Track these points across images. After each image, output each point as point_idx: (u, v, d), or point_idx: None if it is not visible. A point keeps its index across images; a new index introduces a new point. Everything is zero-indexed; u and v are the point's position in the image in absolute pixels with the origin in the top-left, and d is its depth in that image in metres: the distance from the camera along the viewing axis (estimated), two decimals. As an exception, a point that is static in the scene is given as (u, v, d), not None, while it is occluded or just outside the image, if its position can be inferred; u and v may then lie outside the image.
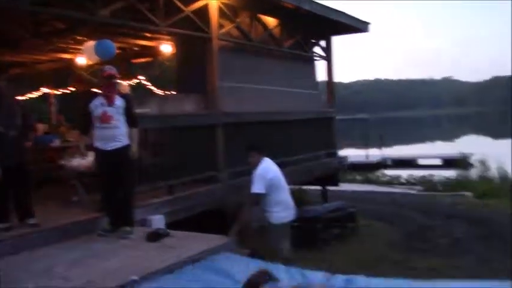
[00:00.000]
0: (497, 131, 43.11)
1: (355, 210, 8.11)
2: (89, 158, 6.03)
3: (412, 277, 5.53)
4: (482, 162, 16.45)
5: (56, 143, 7.89)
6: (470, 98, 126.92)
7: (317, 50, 10.86)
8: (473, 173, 15.71)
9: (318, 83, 11.29)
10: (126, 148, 5.10)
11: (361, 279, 3.80)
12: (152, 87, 11.82)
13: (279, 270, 4.10)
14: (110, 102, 5.06)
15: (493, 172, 14.69)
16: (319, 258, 6.54)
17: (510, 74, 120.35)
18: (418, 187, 14.54)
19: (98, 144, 5.12)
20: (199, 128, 6.98)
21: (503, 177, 13.72)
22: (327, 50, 10.87)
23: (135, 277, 3.72)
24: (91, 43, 7.40)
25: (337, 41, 12.00)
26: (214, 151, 7.15)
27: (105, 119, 5.03)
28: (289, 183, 5.48)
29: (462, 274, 5.76)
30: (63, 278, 3.78)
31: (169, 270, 3.98)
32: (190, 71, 7.97)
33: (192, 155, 6.73)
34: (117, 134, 5.05)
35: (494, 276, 5.64)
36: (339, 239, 7.55)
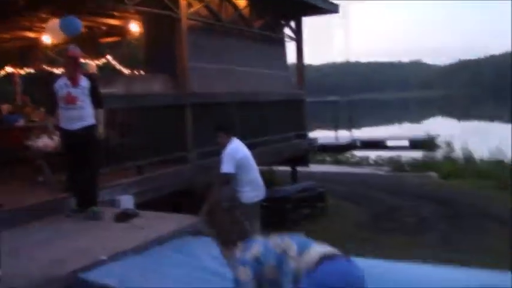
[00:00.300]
0: (462, 114, 44.11)
1: (325, 190, 8.21)
2: (56, 138, 5.92)
3: (379, 255, 5.68)
4: (448, 144, 16.84)
5: (21, 123, 7.71)
6: (437, 81, 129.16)
7: (287, 31, 10.85)
8: (439, 154, 16.06)
9: (287, 64, 11.29)
10: (91, 128, 5.02)
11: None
12: (120, 67, 11.62)
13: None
14: (74, 83, 4.97)
15: (458, 153, 15.05)
16: (288, 238, 6.60)
17: (476, 57, 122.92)
18: (386, 168, 14.80)
19: (63, 124, 5.03)
20: (168, 108, 6.91)
21: (468, 158, 14.06)
22: (297, 31, 10.86)
23: (103, 257, 3.69)
24: (55, 21, 7.21)
25: (307, 22, 12.02)
26: (183, 131, 7.10)
27: (69, 100, 4.93)
28: (258, 163, 5.50)
29: (427, 252, 5.92)
30: (29, 259, 3.72)
31: (138, 250, 3.96)
32: (159, 50, 7.86)
33: (161, 136, 6.68)
34: (82, 114, 4.97)
35: (457, 253, 5.83)
36: (308, 218, 7.64)
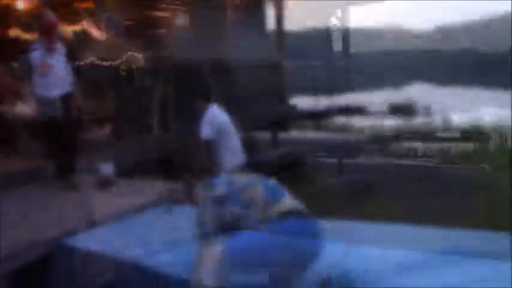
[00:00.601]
0: (443, 79, 44.13)
1: (305, 156, 8.26)
2: (32, 105, 5.86)
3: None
4: (426, 110, 16.86)
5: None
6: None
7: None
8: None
9: (267, 29, 11.19)
10: (69, 95, 4.98)
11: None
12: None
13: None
14: (51, 51, 4.90)
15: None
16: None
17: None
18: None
19: (40, 91, 4.97)
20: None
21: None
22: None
23: (84, 224, 3.73)
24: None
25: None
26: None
27: (45, 68, 4.88)
28: (238, 130, 5.51)
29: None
30: (10, 227, 3.74)
31: (119, 217, 4.00)
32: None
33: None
34: (58, 82, 4.92)
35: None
36: (289, 183, 7.70)
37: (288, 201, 2.48)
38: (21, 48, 5.20)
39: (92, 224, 3.76)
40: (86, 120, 5.83)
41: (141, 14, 7.47)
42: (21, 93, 5.49)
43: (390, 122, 15.34)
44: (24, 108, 5.87)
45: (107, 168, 5.52)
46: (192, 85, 7.47)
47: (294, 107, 11.42)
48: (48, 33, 4.94)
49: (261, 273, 2.28)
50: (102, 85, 6.33)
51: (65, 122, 4.98)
